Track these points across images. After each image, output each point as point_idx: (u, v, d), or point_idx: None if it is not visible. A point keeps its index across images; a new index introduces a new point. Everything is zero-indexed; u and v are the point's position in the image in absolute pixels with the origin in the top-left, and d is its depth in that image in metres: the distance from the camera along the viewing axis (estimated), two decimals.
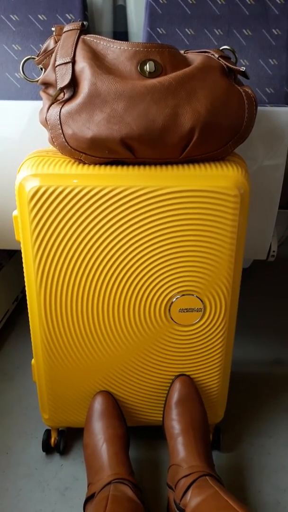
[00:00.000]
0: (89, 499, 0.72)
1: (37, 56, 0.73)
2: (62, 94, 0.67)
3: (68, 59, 0.67)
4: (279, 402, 1.04)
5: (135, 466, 0.80)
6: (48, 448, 0.90)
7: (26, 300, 0.78)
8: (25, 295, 0.78)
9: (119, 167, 0.70)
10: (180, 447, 0.76)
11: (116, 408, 0.82)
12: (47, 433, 0.91)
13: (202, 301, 0.77)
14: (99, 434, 0.78)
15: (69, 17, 0.87)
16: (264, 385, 1.09)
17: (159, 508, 0.80)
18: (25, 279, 0.76)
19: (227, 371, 0.86)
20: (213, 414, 0.88)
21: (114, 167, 0.70)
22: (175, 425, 0.79)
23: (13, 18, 0.87)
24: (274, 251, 1.00)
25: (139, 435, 0.92)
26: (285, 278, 1.58)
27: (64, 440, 0.91)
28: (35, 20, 0.87)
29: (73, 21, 0.86)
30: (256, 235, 0.95)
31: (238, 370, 1.12)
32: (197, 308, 0.77)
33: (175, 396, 0.81)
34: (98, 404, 0.81)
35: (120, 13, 1.03)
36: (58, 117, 0.66)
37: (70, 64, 0.67)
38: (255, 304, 1.41)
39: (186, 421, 0.78)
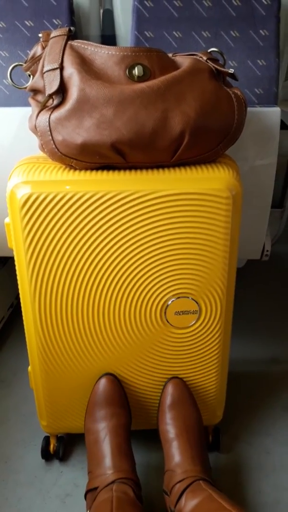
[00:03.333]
0: (90, 490, 0.73)
1: (25, 63, 0.72)
2: (51, 101, 0.67)
3: (56, 65, 0.67)
4: (277, 400, 1.05)
5: (141, 465, 0.80)
6: (47, 455, 0.90)
7: (21, 306, 0.78)
8: (20, 302, 0.78)
9: (111, 172, 0.70)
10: (175, 452, 0.76)
11: (121, 394, 0.81)
12: (46, 440, 0.91)
13: (197, 303, 0.77)
14: (103, 422, 0.78)
15: (56, 23, 0.87)
16: (261, 383, 1.10)
17: (165, 506, 0.80)
18: (19, 286, 0.76)
19: (224, 372, 0.86)
20: (212, 415, 0.88)
21: (105, 172, 0.70)
22: (169, 429, 0.79)
23: (0, 25, 0.87)
24: (267, 251, 1.00)
25: (139, 437, 0.92)
26: (279, 276, 1.59)
27: (63, 447, 0.91)
28: (22, 26, 0.86)
29: (60, 26, 0.86)
30: (250, 235, 0.96)
31: (235, 370, 1.12)
32: (193, 310, 0.77)
33: (167, 399, 0.81)
34: (102, 389, 0.80)
35: (107, 17, 1.03)
36: (47, 123, 0.66)
37: (58, 70, 0.66)
38: (250, 303, 1.42)
39: (179, 425, 0.78)
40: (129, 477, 0.72)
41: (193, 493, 0.68)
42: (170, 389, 0.81)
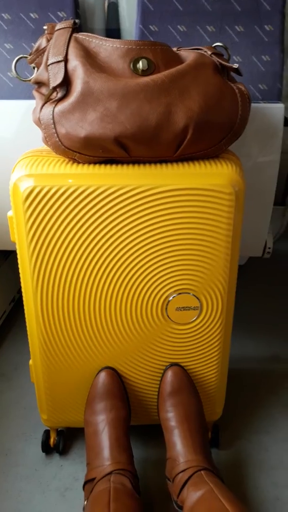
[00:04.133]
0: (88, 481, 0.73)
1: (30, 55, 0.72)
2: (55, 93, 0.67)
3: (61, 58, 0.66)
4: (276, 398, 1.05)
5: (139, 459, 0.81)
6: (47, 449, 0.90)
7: (23, 300, 0.78)
8: (22, 296, 0.78)
9: (114, 166, 0.69)
10: (176, 440, 0.76)
11: (120, 387, 0.81)
12: (46, 433, 0.91)
13: (198, 299, 0.77)
14: (102, 414, 0.78)
15: (61, 15, 0.87)
16: (261, 381, 1.10)
17: (164, 499, 0.81)
18: (21, 280, 0.76)
19: (224, 369, 0.86)
20: (211, 411, 0.88)
21: (108, 166, 0.69)
22: (169, 417, 0.79)
23: (5, 17, 0.86)
24: (269, 248, 1.00)
25: (137, 432, 0.92)
26: (281, 274, 1.59)
27: (63, 440, 0.91)
28: (26, 19, 0.86)
29: (65, 19, 0.86)
30: (252, 232, 0.95)
31: (236, 367, 1.12)
32: (194, 307, 0.77)
33: (167, 387, 0.81)
34: (102, 382, 0.80)
35: (112, 10, 1.03)
36: (51, 116, 0.66)
37: (63, 62, 0.66)
38: (252, 301, 1.41)
39: (180, 413, 0.79)
40: (126, 468, 0.72)
41: (195, 486, 0.69)
42: (169, 376, 0.81)
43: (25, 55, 0.73)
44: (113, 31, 1.03)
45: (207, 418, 0.86)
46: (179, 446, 0.75)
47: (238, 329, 1.25)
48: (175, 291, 0.76)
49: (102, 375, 0.80)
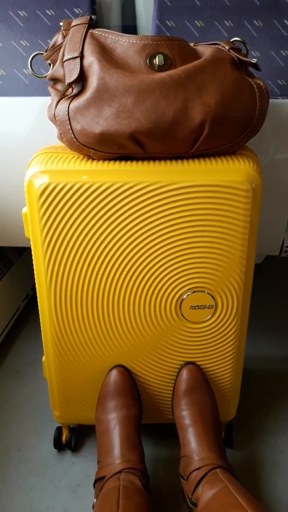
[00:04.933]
0: (98, 479, 0.74)
1: (45, 52, 0.72)
2: (70, 90, 0.67)
3: (76, 54, 0.66)
4: None
5: (150, 458, 0.80)
6: (59, 445, 0.91)
7: (36, 297, 0.78)
8: (35, 293, 0.78)
9: (129, 163, 0.69)
10: (190, 438, 0.76)
11: (131, 385, 0.81)
12: (59, 430, 0.91)
13: (213, 298, 0.76)
14: (113, 413, 0.78)
15: (77, 12, 0.86)
16: (276, 382, 1.08)
17: (175, 498, 0.80)
18: (35, 276, 0.76)
19: (239, 368, 0.85)
20: (226, 411, 0.87)
21: (123, 162, 0.69)
22: (184, 415, 0.79)
23: (21, 14, 0.86)
24: (287, 247, 0.98)
25: (149, 431, 0.91)
26: None
27: (75, 437, 0.92)
28: (43, 16, 0.86)
29: (81, 16, 0.86)
30: (269, 230, 0.94)
31: (251, 367, 1.11)
32: (209, 305, 0.76)
33: (182, 385, 0.81)
34: (113, 380, 0.80)
35: (128, 6, 1.02)
36: (66, 112, 0.66)
37: (79, 58, 0.66)
38: (267, 300, 1.40)
39: (194, 412, 0.78)
40: (136, 467, 0.72)
41: (210, 484, 0.68)
42: (185, 375, 0.80)
43: (41, 52, 0.73)
44: (129, 27, 1.02)
45: (221, 418, 0.85)
46: (193, 444, 0.75)
47: (253, 329, 1.24)
48: (189, 289, 0.75)
49: (113, 373, 0.80)
